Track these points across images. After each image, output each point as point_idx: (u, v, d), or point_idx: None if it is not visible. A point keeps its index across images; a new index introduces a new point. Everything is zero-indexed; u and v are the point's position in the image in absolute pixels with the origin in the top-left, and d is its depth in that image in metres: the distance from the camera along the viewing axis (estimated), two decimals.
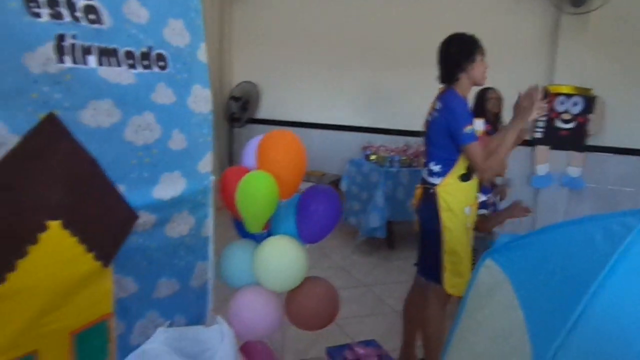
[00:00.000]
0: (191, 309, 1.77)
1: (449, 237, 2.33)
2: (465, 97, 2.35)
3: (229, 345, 1.71)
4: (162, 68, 1.51)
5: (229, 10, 5.87)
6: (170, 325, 1.65)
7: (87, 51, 1.25)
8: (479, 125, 2.36)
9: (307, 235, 1.96)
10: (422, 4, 5.20)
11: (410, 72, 5.16)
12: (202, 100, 1.69)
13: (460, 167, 2.31)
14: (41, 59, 1.15)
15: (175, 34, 1.54)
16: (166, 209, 1.60)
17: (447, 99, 2.30)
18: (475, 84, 2.36)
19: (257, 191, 1.76)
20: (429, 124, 2.38)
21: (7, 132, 1.13)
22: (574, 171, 4.90)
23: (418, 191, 2.44)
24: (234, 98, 5.73)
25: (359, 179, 4.80)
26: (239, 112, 5.78)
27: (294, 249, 1.88)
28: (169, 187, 1.59)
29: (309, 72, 5.82)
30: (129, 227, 1.47)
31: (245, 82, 5.83)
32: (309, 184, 6.05)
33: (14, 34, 1.10)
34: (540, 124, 4.91)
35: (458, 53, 2.31)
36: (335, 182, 5.17)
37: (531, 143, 4.97)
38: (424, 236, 2.45)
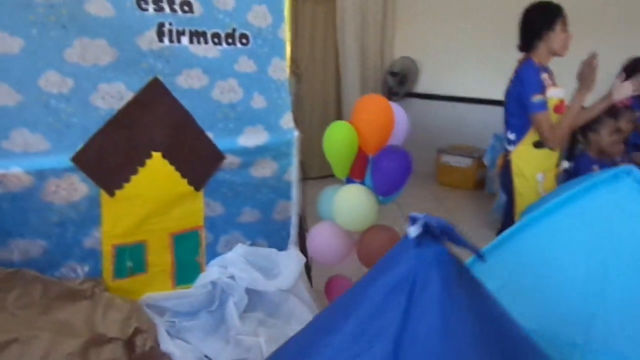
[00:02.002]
0: (273, 237, 2.25)
1: (520, 202, 2.42)
2: (544, 66, 2.38)
3: (294, 267, 2.16)
4: (245, 44, 1.97)
5: None
6: (252, 245, 2.17)
7: (181, 33, 1.78)
8: (558, 93, 2.34)
9: (379, 187, 2.27)
10: None
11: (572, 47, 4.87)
12: (280, 70, 2.12)
13: (533, 134, 2.36)
14: (147, 40, 1.70)
15: (258, 17, 1.98)
16: (250, 154, 2.08)
17: (520, 69, 2.36)
18: (555, 54, 2.36)
19: (335, 137, 2.15)
20: (507, 93, 2.46)
21: (125, 89, 1.71)
22: None
23: (499, 160, 2.55)
24: (392, 73, 6.05)
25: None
26: (396, 86, 6.09)
27: (361, 194, 2.21)
28: (252, 137, 2.07)
29: (467, 48, 5.84)
30: (217, 164, 1.98)
31: (404, 57, 6.10)
32: (459, 158, 6.21)
33: (129, 23, 1.66)
34: None
35: (537, 21, 2.34)
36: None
37: None
38: (506, 200, 2.56)
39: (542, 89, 2.29)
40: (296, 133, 2.23)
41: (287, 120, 2.18)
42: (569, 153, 2.96)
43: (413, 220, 0.59)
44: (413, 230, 0.58)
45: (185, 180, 1.90)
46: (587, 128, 2.73)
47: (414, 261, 0.56)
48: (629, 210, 1.14)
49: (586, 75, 2.27)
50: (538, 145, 2.39)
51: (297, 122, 2.18)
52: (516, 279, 1.17)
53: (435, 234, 0.58)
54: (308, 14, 5.42)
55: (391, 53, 6.32)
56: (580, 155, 2.83)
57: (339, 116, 5.71)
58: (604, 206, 1.18)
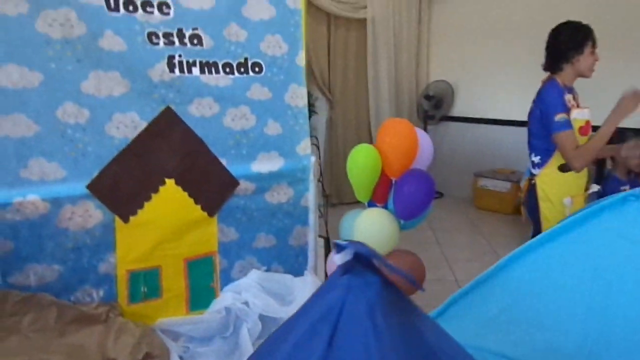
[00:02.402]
0: (289, 262, 2.24)
1: (547, 228, 2.31)
2: (568, 86, 2.31)
3: (310, 293, 2.14)
4: (257, 73, 2.01)
5: (428, 12, 6.15)
6: (267, 271, 2.17)
7: (191, 64, 1.83)
8: (583, 114, 2.26)
9: (401, 211, 2.23)
10: None
11: (604, 70, 4.72)
12: (298, 97, 2.15)
13: (559, 157, 2.28)
14: (158, 71, 1.77)
15: (272, 46, 2.02)
16: (265, 180, 2.10)
17: (544, 89, 2.30)
18: (581, 76, 2.29)
19: (358, 160, 2.15)
20: (530, 114, 2.40)
21: (139, 119, 1.78)
22: None
23: (525, 184, 2.47)
24: (427, 97, 6.01)
25: None
26: (431, 110, 6.04)
27: (383, 218, 2.19)
28: (266, 163, 2.09)
29: (503, 70, 5.75)
30: (231, 190, 2.01)
31: (439, 80, 6.06)
32: (496, 182, 6.09)
33: (141, 56, 1.73)
34: None
35: (565, 43, 2.28)
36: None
37: None
38: (532, 228, 2.46)
39: (565, 108, 2.22)
40: (313, 159, 2.24)
41: (304, 147, 2.20)
42: (598, 175, 2.84)
43: (339, 248, 0.58)
44: (339, 258, 0.57)
45: (198, 206, 1.93)
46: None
47: (341, 290, 0.54)
48: (633, 237, 1.09)
49: (626, 105, 2.19)
50: (564, 168, 2.30)
51: (330, 147, 2.18)
52: (515, 305, 1.13)
53: (368, 262, 0.56)
54: (340, 40, 5.48)
55: (426, 76, 6.30)
56: (608, 177, 2.71)
57: (372, 141, 5.70)
58: (608, 232, 1.12)
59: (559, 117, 2.20)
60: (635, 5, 4.66)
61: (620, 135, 2.59)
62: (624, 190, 2.63)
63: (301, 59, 2.15)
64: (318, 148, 4.69)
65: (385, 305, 0.53)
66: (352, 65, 5.63)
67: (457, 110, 6.21)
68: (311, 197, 2.27)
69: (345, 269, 0.57)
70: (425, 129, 6.24)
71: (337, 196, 5.35)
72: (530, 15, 5.43)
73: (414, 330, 0.57)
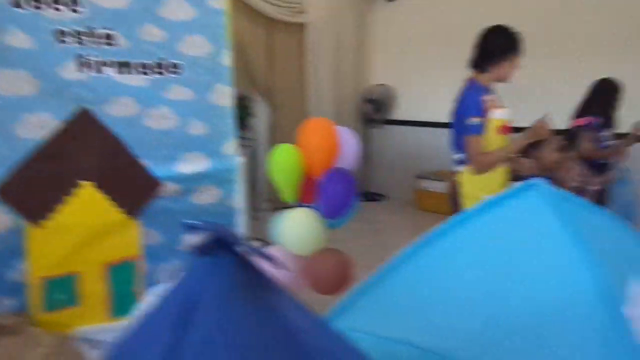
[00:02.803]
0: None
1: None
2: (488, 87, 2.39)
3: None
4: (177, 73, 1.98)
5: (369, 16, 6.24)
6: None
7: (104, 64, 1.79)
8: (502, 114, 2.35)
9: (325, 210, 2.24)
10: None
11: (549, 72, 4.93)
12: (224, 96, 2.13)
13: None
14: (69, 70, 1.71)
15: (192, 46, 1.99)
16: (191, 181, 2.06)
17: (464, 89, 2.37)
18: (500, 81, 2.37)
19: (279, 160, 2.14)
20: (452, 114, 2.46)
21: (52, 119, 1.71)
22: None
23: (449, 182, 2.54)
24: (369, 101, 6.09)
25: None
26: (373, 113, 6.13)
27: (307, 218, 2.19)
28: (191, 164, 2.06)
29: (443, 74, 5.87)
30: (153, 192, 1.97)
31: (379, 84, 6.15)
32: (437, 183, 6.18)
33: (50, 55, 1.67)
34: None
35: (497, 45, 2.35)
36: None
37: None
38: None
39: (480, 112, 2.29)
40: (241, 159, 2.23)
41: (229, 147, 2.18)
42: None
43: (191, 229, 0.58)
44: (190, 239, 0.56)
45: (118, 209, 1.88)
46: (530, 147, 2.73)
47: (195, 273, 0.54)
48: (530, 225, 1.13)
49: (536, 131, 2.30)
50: None
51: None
52: (420, 293, 1.15)
53: (224, 243, 0.56)
54: (281, 44, 5.48)
55: (367, 81, 6.39)
56: (527, 175, 2.82)
57: None
58: (508, 221, 1.16)
59: (472, 120, 2.26)
60: (560, 15, 4.90)
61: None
62: None
63: (226, 59, 2.13)
64: (253, 150, 4.68)
65: (240, 286, 0.52)
66: (293, 69, 5.63)
67: (399, 114, 6.32)
68: (239, 198, 2.25)
69: (200, 251, 0.56)
70: (367, 133, 6.32)
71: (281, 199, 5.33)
72: (470, 21, 5.58)
73: (272, 311, 0.56)
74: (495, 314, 1.02)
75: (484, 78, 2.37)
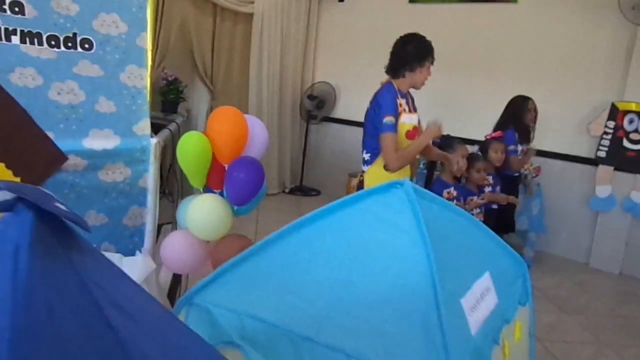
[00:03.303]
0: (123, 242, 2.23)
1: None
2: (403, 92, 2.53)
3: (137, 273, 2.15)
4: (87, 49, 1.99)
5: (316, 13, 6.32)
6: None
7: (11, 32, 1.78)
8: (412, 119, 2.50)
9: (232, 197, 2.31)
10: (498, 13, 5.16)
11: (483, 82, 5.17)
12: (136, 77, 2.14)
13: None
14: None
15: (106, 24, 2.01)
16: (98, 158, 2.08)
17: (381, 91, 2.50)
18: (414, 87, 2.52)
19: (186, 147, 2.19)
20: (366, 113, 2.59)
21: None
22: (638, 196, 4.52)
23: (356, 180, 2.66)
24: (311, 97, 6.18)
25: None
26: (314, 110, 6.22)
27: (214, 204, 2.24)
28: (100, 141, 2.07)
29: (382, 78, 6.06)
30: (57, 165, 1.97)
31: (322, 82, 6.25)
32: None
33: None
34: (605, 142, 4.61)
35: (412, 53, 2.49)
36: None
37: (594, 162, 4.69)
38: None
39: (395, 112, 2.43)
40: (154, 140, 2.25)
41: (142, 127, 2.20)
42: (428, 178, 3.12)
43: None
44: None
45: (18, 179, 1.87)
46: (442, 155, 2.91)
47: None
48: (387, 219, 1.23)
49: (432, 132, 2.46)
50: (387, 168, 2.51)
51: None
52: (277, 274, 1.22)
53: (29, 201, 0.61)
54: (226, 33, 5.48)
55: (311, 77, 6.48)
56: (436, 180, 3.00)
57: None
58: (369, 215, 1.26)
59: (387, 119, 2.40)
60: (494, 35, 5.14)
61: (448, 142, 2.88)
62: (448, 192, 2.92)
63: (143, 41, 2.14)
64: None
65: (36, 244, 0.58)
66: (236, 58, 5.65)
67: (339, 112, 6.45)
68: (151, 179, 2.28)
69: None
70: (307, 128, 6.42)
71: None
72: (410, 26, 5.77)
73: (72, 270, 0.62)
74: (340, 297, 1.12)
75: (399, 83, 2.50)
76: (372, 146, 2.52)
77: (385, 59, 5.97)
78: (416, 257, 1.11)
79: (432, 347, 0.98)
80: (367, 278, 1.14)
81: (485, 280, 1.37)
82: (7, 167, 1.84)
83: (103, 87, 2.06)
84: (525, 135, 3.84)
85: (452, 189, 2.94)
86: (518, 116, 3.84)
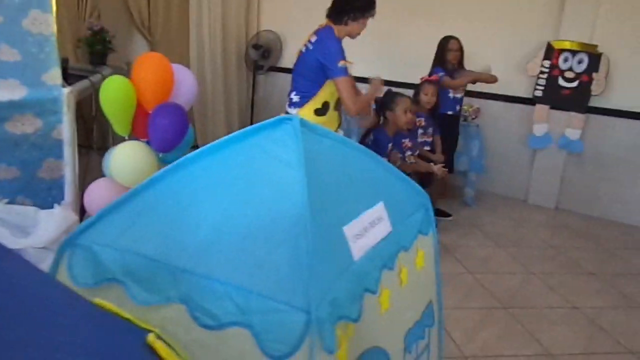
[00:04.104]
0: (40, 196, 2.20)
1: None
2: (340, 40, 2.51)
3: (56, 225, 2.13)
4: None
5: None
6: (9, 203, 2.11)
7: None
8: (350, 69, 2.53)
9: (156, 143, 2.28)
10: None
11: (422, 24, 5.15)
12: (42, 23, 2.06)
13: (316, 101, 2.49)
14: None
15: None
16: (4, 109, 2.01)
17: (325, 35, 2.48)
18: (349, 36, 2.51)
19: (109, 92, 2.13)
20: (302, 55, 2.56)
21: None
22: (572, 133, 4.67)
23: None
24: (255, 46, 6.05)
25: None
26: (260, 60, 6.11)
27: (137, 150, 2.21)
28: (4, 91, 2.00)
29: None
30: None
31: (266, 30, 6.12)
32: None
33: None
34: (541, 81, 4.71)
35: (359, 4, 2.46)
36: None
37: (531, 101, 4.79)
38: None
39: (344, 56, 2.42)
40: (66, 90, 2.19)
41: (52, 77, 2.12)
42: (365, 134, 3.15)
43: None
44: None
45: None
46: (384, 107, 2.94)
47: None
48: (278, 156, 1.24)
49: (376, 86, 2.47)
50: (317, 112, 2.51)
51: None
52: (161, 211, 1.23)
53: None
54: None
55: (256, 26, 6.32)
56: (377, 130, 3.03)
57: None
58: (255, 150, 1.27)
59: (341, 63, 2.39)
60: None
61: (390, 97, 2.93)
62: (390, 146, 2.97)
63: None
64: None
65: None
66: (174, 6, 5.45)
67: (286, 62, 6.36)
68: (66, 130, 2.22)
69: None
70: (254, 79, 6.32)
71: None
72: None
73: None
74: (218, 230, 1.14)
75: (338, 29, 2.48)
76: (304, 89, 2.51)
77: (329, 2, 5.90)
78: (294, 188, 1.14)
79: (297, 269, 1.01)
80: (246, 210, 1.16)
81: (377, 210, 1.42)
82: None
83: (4, 34, 1.98)
84: (451, 75, 3.88)
85: (391, 144, 3.00)
86: (441, 56, 3.88)
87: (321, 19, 6.03)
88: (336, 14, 2.53)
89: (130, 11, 5.01)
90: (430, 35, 4.60)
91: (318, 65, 2.45)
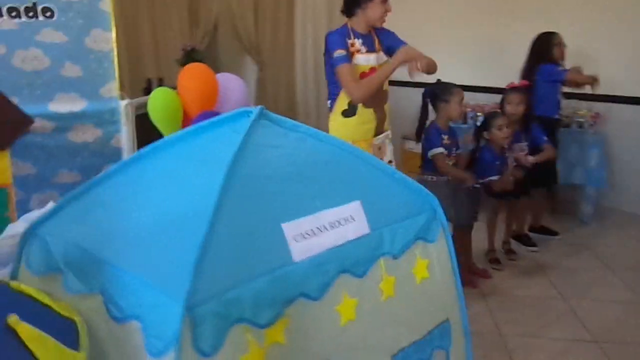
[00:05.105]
0: None
1: None
2: (360, 32, 2.41)
3: None
4: (49, 17, 2.12)
5: None
6: None
7: None
8: (368, 60, 2.38)
9: None
10: None
11: (531, 26, 4.73)
12: (102, 41, 2.26)
13: (341, 103, 2.39)
14: None
15: None
16: (66, 120, 2.24)
17: (329, 33, 2.40)
18: (371, 24, 2.38)
19: (156, 102, 2.28)
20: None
21: None
22: None
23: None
24: None
25: None
26: None
27: None
28: (66, 104, 2.22)
29: (443, 35, 5.79)
30: (23, 128, 2.15)
31: None
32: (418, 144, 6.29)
33: None
34: None
35: None
36: None
37: None
38: None
39: (344, 46, 2.32)
40: (124, 102, 2.37)
41: (109, 90, 2.32)
42: (420, 126, 2.94)
43: None
44: None
45: None
46: (436, 98, 2.73)
47: None
48: (220, 149, 1.21)
49: (408, 52, 2.30)
50: (345, 113, 2.42)
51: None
52: (108, 204, 1.25)
53: None
54: (269, 2, 5.52)
55: None
56: (430, 126, 2.82)
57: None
58: (208, 143, 1.25)
59: (338, 52, 2.30)
60: None
61: (443, 88, 2.71)
62: (443, 139, 2.74)
63: (106, 4, 2.26)
64: None
65: None
66: (282, 26, 5.67)
67: (398, 76, 6.23)
68: (124, 138, 2.40)
69: None
70: None
71: None
72: None
73: None
74: (143, 222, 1.12)
75: (354, 23, 2.40)
76: (332, 92, 2.44)
77: (439, 12, 5.67)
78: (209, 183, 1.08)
79: (185, 264, 0.95)
80: (166, 205, 1.14)
81: (346, 209, 1.29)
82: None
83: (68, 52, 2.20)
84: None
85: (446, 136, 2.77)
86: (546, 52, 3.47)
87: (433, 27, 5.85)
88: (346, 8, 2.46)
89: (239, 33, 5.32)
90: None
91: (328, 64, 2.39)
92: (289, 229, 1.16)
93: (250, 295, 1.01)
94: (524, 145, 3.22)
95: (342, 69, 2.30)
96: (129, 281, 1.03)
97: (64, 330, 1.01)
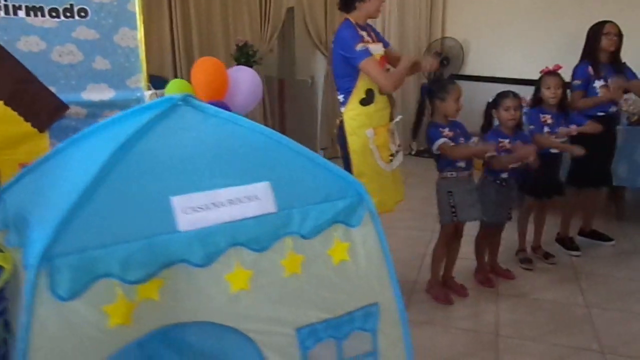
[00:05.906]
0: None
1: (356, 160, 2.52)
2: (361, 25, 2.46)
3: None
4: (83, 17, 2.44)
5: None
6: None
7: (17, 8, 2.31)
8: (377, 49, 2.40)
9: None
10: None
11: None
12: (129, 38, 2.55)
13: (358, 93, 2.45)
14: None
15: None
16: (96, 107, 2.55)
17: (339, 28, 2.46)
18: (370, 16, 2.41)
19: (171, 91, 2.54)
20: (331, 58, 2.56)
21: None
22: None
23: (337, 122, 2.65)
24: (436, 54, 5.94)
25: None
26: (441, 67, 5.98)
27: None
28: (96, 93, 2.54)
29: (514, 30, 5.58)
30: (61, 112, 2.49)
31: (447, 37, 5.96)
32: None
33: None
34: None
35: None
36: None
37: None
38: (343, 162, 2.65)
39: (361, 39, 2.39)
40: (148, 92, 2.65)
41: (134, 81, 2.61)
42: (416, 122, 2.89)
43: None
44: None
45: (28, 124, 2.45)
46: (433, 96, 2.69)
47: None
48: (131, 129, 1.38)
49: (427, 62, 2.36)
50: (363, 102, 2.47)
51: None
52: (48, 179, 1.48)
53: None
54: None
55: (440, 34, 6.21)
56: (429, 126, 2.77)
57: None
58: (130, 127, 1.43)
59: (359, 47, 2.38)
60: None
61: (440, 84, 2.68)
62: (442, 132, 2.69)
63: (133, 5, 2.54)
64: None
65: None
66: None
67: (470, 69, 6.08)
68: None
69: None
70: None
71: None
72: None
73: None
74: (58, 190, 1.33)
75: (355, 16, 2.45)
76: (344, 87, 2.50)
77: (514, 9, 5.44)
78: (97, 159, 1.25)
79: (52, 222, 1.13)
80: (74, 174, 1.32)
81: (251, 189, 1.40)
82: (19, 114, 2.43)
83: (99, 48, 2.52)
84: (596, 68, 3.18)
85: (447, 129, 2.71)
86: (593, 45, 3.21)
87: (504, 25, 5.62)
88: (345, 4, 2.49)
89: (308, 29, 5.50)
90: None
91: (342, 59, 2.44)
92: (179, 201, 1.30)
93: (121, 255, 1.17)
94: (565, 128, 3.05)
95: (370, 62, 2.40)
96: (34, 237, 1.23)
97: None
